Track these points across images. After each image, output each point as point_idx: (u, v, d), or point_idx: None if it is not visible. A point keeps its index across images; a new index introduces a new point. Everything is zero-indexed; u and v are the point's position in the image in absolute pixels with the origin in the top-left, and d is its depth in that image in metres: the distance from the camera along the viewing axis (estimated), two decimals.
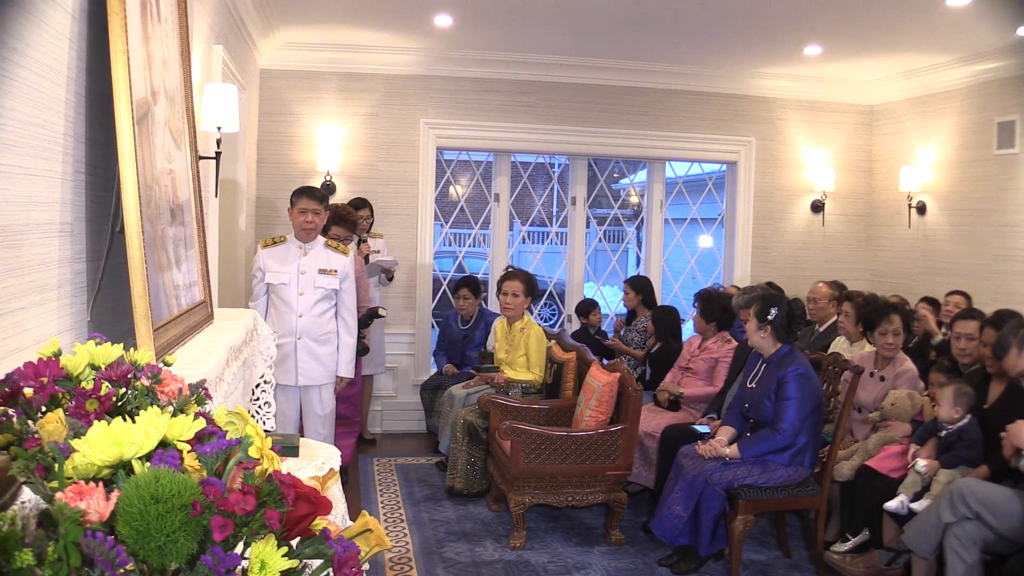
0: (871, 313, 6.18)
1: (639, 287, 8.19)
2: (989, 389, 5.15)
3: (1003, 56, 7.62)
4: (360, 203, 7.74)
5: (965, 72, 8.10)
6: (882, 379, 5.89)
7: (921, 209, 8.69)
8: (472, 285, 8.14)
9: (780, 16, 7.01)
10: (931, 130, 8.65)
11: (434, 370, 8.50)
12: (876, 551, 5.22)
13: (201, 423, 1.42)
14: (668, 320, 7.49)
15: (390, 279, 7.91)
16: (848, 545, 5.42)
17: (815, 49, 8.03)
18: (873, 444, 5.54)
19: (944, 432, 4.96)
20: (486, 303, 9.20)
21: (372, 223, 7.84)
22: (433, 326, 9.00)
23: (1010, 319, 4.80)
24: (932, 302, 7.19)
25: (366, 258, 7.47)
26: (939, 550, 4.59)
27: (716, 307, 6.78)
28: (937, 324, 7.12)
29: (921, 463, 4.95)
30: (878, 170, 9.47)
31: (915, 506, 4.86)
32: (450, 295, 8.79)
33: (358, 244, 7.48)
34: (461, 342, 8.16)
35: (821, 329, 7.25)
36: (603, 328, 8.62)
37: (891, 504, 5.01)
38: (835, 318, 7.12)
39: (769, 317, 5.33)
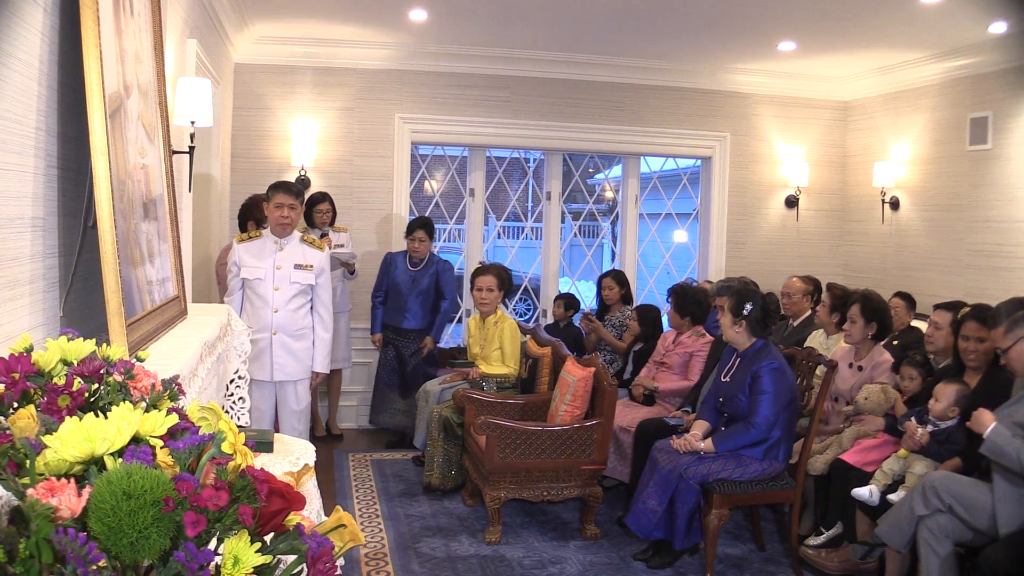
0: (836, 302, 6.33)
1: (622, 281, 8.21)
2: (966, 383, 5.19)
3: (976, 53, 7.67)
4: (320, 197, 7.74)
5: (938, 68, 8.15)
6: (860, 369, 5.93)
7: (894, 205, 8.74)
8: (428, 227, 7.86)
9: (755, 12, 7.03)
10: (904, 126, 8.70)
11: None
12: (850, 545, 5.25)
13: (174, 419, 1.41)
14: (653, 318, 7.49)
15: (352, 272, 7.88)
16: (822, 539, 5.45)
17: (789, 45, 8.06)
18: (847, 438, 5.56)
19: (932, 428, 4.97)
20: (461, 298, 9.20)
21: (333, 216, 7.81)
22: None
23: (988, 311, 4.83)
24: (905, 297, 7.23)
25: None
26: (912, 543, 4.62)
27: (690, 302, 6.80)
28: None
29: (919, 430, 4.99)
30: (852, 166, 9.52)
31: (892, 497, 4.88)
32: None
33: (319, 237, 7.46)
34: (407, 286, 7.86)
35: (795, 324, 7.28)
36: (574, 322, 8.59)
37: (861, 491, 5.02)
38: (809, 312, 7.16)
39: (744, 312, 5.34)
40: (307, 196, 7.70)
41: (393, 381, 7.92)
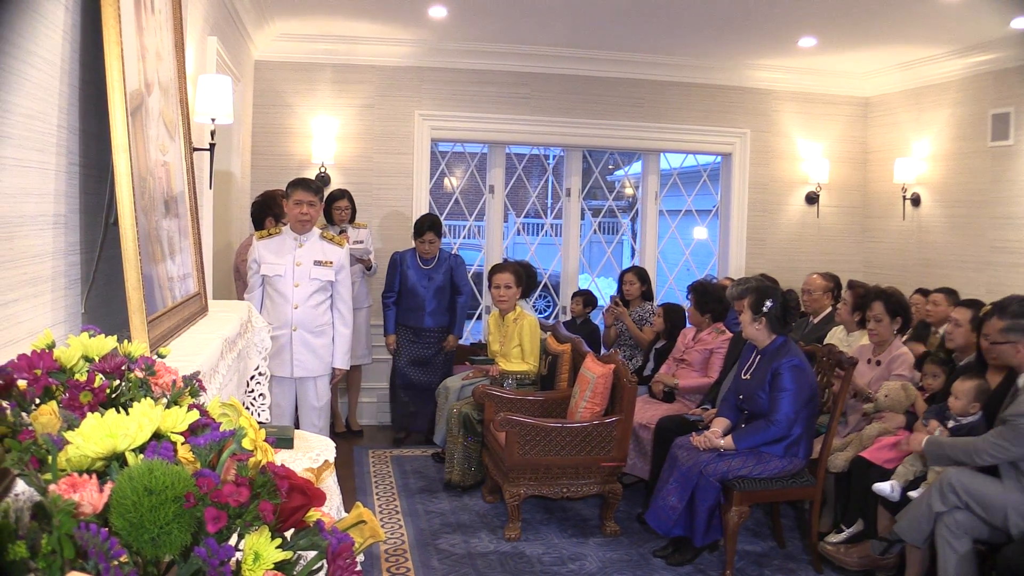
0: (858, 300, 6.29)
1: (644, 278, 8.18)
2: (987, 379, 5.17)
3: (998, 48, 7.62)
4: (339, 194, 7.77)
5: (960, 64, 8.10)
6: (878, 363, 5.91)
7: (916, 201, 8.70)
8: (437, 227, 7.77)
9: (775, 8, 7.01)
10: (926, 122, 8.65)
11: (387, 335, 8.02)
12: (870, 541, 5.24)
13: (195, 415, 1.42)
14: (677, 317, 7.46)
15: (369, 268, 7.88)
16: (843, 536, 5.44)
17: (810, 41, 8.03)
18: (868, 435, 5.54)
19: (953, 424, 4.94)
20: (480, 296, 9.21)
21: (353, 213, 7.83)
22: None
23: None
24: (926, 294, 7.20)
25: None
26: (931, 539, 4.62)
27: (711, 299, 6.78)
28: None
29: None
30: (873, 162, 9.47)
31: (912, 494, 4.87)
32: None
33: (338, 235, 7.48)
34: (423, 285, 7.82)
35: (815, 321, 7.26)
36: (591, 319, 8.58)
37: (882, 486, 5.01)
38: (829, 309, 7.13)
39: (764, 309, 5.33)
40: (326, 193, 7.73)
41: (411, 382, 7.89)
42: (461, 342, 8.29)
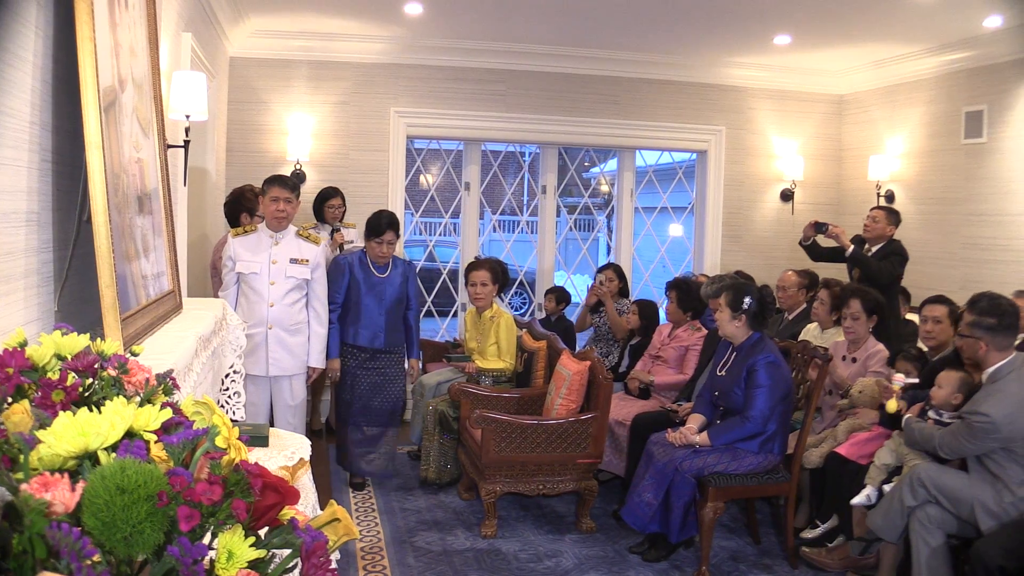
0: (836, 299, 6.33)
1: (620, 275, 8.20)
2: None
3: (971, 46, 7.68)
4: (331, 192, 7.72)
5: (933, 62, 8.16)
6: (854, 360, 5.95)
7: (890, 198, 8.75)
8: (396, 226, 6.48)
9: (751, 5, 7.04)
10: (900, 119, 8.70)
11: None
12: (849, 542, 5.26)
13: (168, 413, 1.41)
14: (652, 313, 7.48)
15: None
16: (817, 531, 5.48)
17: (785, 39, 8.07)
18: (842, 431, 5.58)
19: (935, 417, 4.96)
20: (455, 293, 9.20)
21: (344, 212, 7.79)
22: None
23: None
24: (901, 291, 7.24)
25: (341, 248, 7.43)
26: (905, 534, 4.66)
27: (692, 296, 6.80)
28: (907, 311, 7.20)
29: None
30: (847, 159, 9.53)
31: (886, 488, 4.91)
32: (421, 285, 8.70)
33: (331, 234, 7.45)
34: (377, 297, 6.44)
35: (790, 317, 7.29)
36: (565, 315, 8.58)
37: (858, 499, 5.05)
38: (804, 306, 7.17)
39: (743, 306, 5.35)
40: (320, 191, 7.71)
41: (360, 410, 6.55)
42: (437, 340, 8.28)
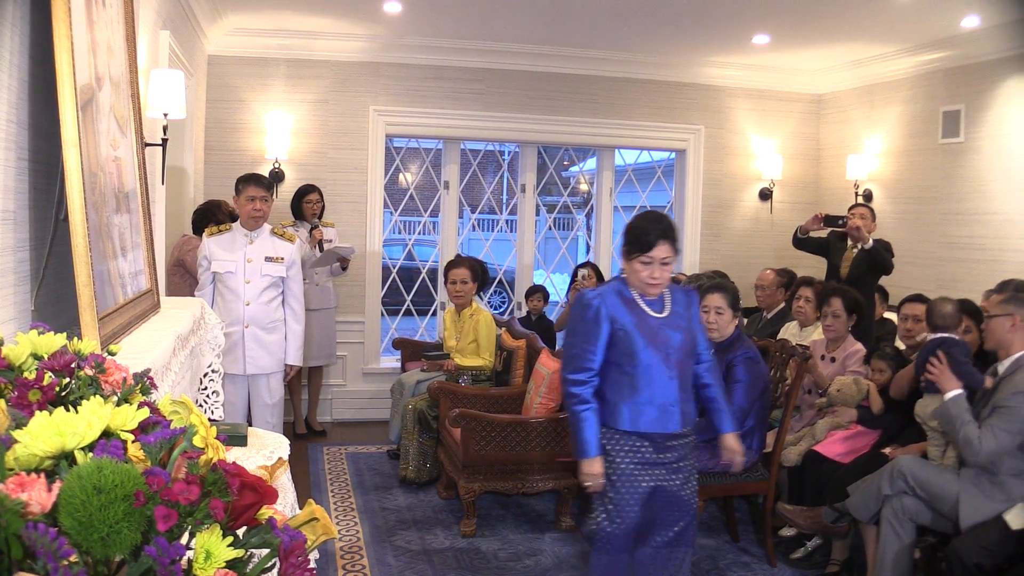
0: (819, 296, 6.36)
1: (600, 273, 8.21)
2: None
3: (948, 46, 7.71)
4: (309, 188, 7.72)
5: (911, 62, 8.20)
6: (832, 360, 5.97)
7: (868, 197, 8.78)
8: (674, 236, 4.17)
9: (729, 5, 7.05)
10: (877, 119, 8.74)
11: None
12: (823, 508, 5.26)
13: (145, 412, 1.41)
14: None
15: (344, 268, 7.82)
16: (794, 530, 5.52)
17: (764, 38, 8.09)
18: (820, 429, 5.60)
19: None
20: (435, 292, 9.19)
21: (323, 208, 7.78)
22: (382, 314, 8.93)
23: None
24: (878, 288, 7.27)
25: (320, 245, 7.41)
26: (877, 518, 4.70)
27: None
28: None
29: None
30: (825, 158, 9.57)
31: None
32: (400, 284, 8.73)
33: (310, 231, 7.44)
34: (663, 344, 4.23)
35: (769, 316, 7.32)
36: (545, 314, 8.59)
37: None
38: (782, 305, 7.19)
39: (740, 304, 5.40)
40: (298, 188, 7.71)
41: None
42: (417, 339, 8.27)
